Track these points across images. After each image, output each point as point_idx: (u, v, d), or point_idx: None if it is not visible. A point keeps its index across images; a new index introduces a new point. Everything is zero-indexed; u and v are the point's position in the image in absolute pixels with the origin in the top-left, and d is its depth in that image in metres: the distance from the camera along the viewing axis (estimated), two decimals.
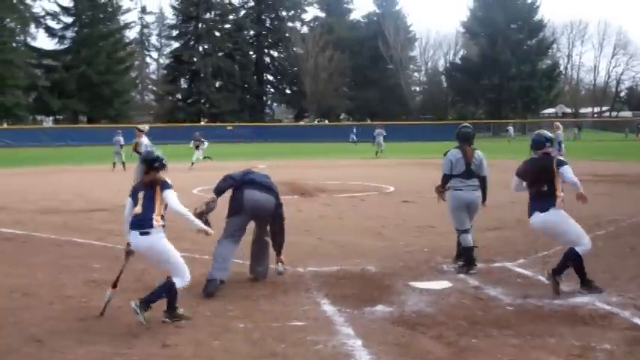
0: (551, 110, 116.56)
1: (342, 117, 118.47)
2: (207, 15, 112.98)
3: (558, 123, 28.69)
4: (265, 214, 9.89)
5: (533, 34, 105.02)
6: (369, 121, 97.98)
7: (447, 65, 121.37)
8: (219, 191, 9.87)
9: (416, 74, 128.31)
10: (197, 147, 38.26)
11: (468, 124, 11.86)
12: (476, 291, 9.31)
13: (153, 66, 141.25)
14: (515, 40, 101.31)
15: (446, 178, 10.97)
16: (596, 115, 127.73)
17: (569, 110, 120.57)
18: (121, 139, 37.62)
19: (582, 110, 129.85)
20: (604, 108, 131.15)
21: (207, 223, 9.11)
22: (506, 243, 13.09)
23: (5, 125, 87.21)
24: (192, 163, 36.00)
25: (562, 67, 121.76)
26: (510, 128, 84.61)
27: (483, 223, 15.34)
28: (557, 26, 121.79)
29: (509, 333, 7.42)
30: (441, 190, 11.07)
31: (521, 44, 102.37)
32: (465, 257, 10.77)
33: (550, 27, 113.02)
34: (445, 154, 11.19)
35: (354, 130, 62.41)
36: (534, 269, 10.64)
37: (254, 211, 9.77)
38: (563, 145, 26.60)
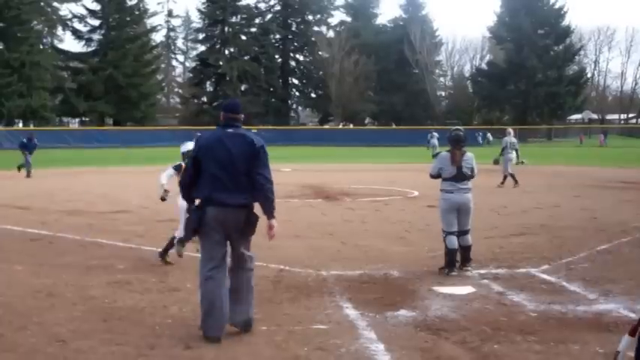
0: (577, 116, 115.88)
1: (366, 121, 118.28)
2: (234, 19, 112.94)
3: (510, 129, 29.07)
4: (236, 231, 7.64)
5: (560, 39, 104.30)
6: (393, 126, 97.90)
7: (473, 70, 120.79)
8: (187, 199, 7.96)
9: (442, 79, 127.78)
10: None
11: (459, 128, 12.02)
12: (500, 297, 9.27)
13: (179, 69, 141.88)
14: (541, 45, 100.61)
15: (434, 179, 11.39)
16: (622, 122, 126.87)
17: (595, 117, 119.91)
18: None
19: (609, 117, 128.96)
20: (631, 115, 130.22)
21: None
22: (531, 249, 13.02)
23: (31, 126, 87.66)
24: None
25: (589, 74, 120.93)
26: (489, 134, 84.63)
27: (508, 229, 15.36)
28: (584, 32, 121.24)
29: (533, 339, 7.39)
30: None
31: (547, 50, 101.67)
32: (448, 259, 10.92)
33: (577, 33, 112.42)
34: (435, 156, 11.59)
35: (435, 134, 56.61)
36: (559, 275, 10.58)
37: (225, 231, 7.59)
38: (507, 151, 26.86)
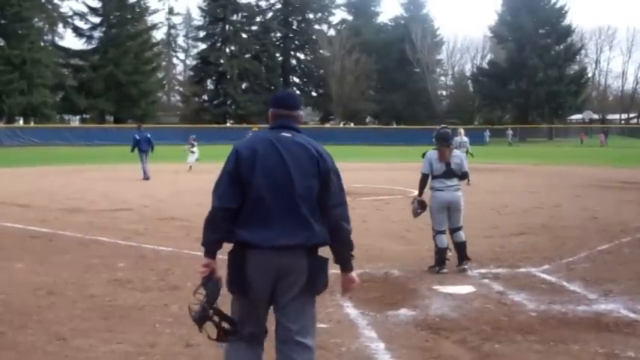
0: (578, 116, 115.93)
1: (367, 120, 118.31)
2: (234, 17, 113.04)
3: (461, 129, 29.53)
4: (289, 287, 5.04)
5: (561, 39, 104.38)
6: (394, 125, 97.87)
7: (474, 70, 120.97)
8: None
9: (442, 78, 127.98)
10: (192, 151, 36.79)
11: (446, 126, 12.31)
12: (500, 296, 9.27)
13: (179, 67, 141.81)
14: (543, 45, 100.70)
15: (424, 178, 11.23)
16: (623, 122, 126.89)
17: (596, 116, 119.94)
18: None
19: (610, 116, 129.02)
20: (632, 114, 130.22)
21: (220, 326, 5.08)
22: (531, 248, 13.02)
23: (32, 124, 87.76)
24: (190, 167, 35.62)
25: (590, 73, 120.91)
26: (487, 134, 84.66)
27: (508, 229, 15.36)
28: (585, 32, 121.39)
29: (533, 339, 7.39)
30: (418, 204, 11.39)
31: (549, 49, 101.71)
32: (438, 257, 10.99)
33: (578, 32, 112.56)
34: (423, 156, 11.43)
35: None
36: (559, 275, 10.58)
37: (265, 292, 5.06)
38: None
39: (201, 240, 5.04)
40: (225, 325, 5.06)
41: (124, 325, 7.88)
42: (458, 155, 11.25)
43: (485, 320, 8.08)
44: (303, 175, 4.93)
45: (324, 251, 5.14)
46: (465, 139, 28.48)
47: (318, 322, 7.84)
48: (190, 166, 35.45)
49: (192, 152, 36.75)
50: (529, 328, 7.75)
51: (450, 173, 11.02)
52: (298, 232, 4.88)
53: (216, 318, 5.02)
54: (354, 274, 5.27)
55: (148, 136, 31.47)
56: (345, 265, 5.22)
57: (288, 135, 5.07)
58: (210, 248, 5.00)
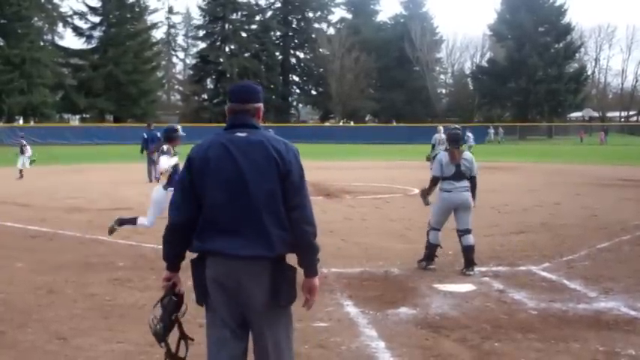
0: (578, 114, 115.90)
1: (367, 118, 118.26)
2: (234, 15, 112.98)
3: (441, 127, 29.69)
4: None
5: (560, 37, 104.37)
6: (394, 123, 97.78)
7: (474, 68, 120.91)
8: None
9: (442, 76, 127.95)
10: (22, 151, 31.47)
11: (457, 127, 12.21)
12: (500, 294, 9.27)
13: (179, 66, 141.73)
14: (542, 43, 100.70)
15: (435, 180, 11.22)
16: (623, 120, 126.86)
17: (596, 114, 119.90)
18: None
19: (609, 114, 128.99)
20: (631, 112, 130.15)
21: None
22: (531, 246, 13.01)
23: (32, 123, 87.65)
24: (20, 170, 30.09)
25: (589, 71, 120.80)
26: (491, 131, 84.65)
27: (508, 227, 15.36)
28: (584, 30, 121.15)
29: (533, 337, 7.39)
30: (427, 194, 11.60)
31: (548, 47, 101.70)
32: (428, 252, 11.06)
33: (578, 30, 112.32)
34: (434, 157, 11.47)
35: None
36: (559, 273, 10.58)
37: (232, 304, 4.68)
38: (437, 147, 27.43)
39: (162, 254, 4.81)
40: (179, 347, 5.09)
41: (124, 324, 7.88)
42: (468, 158, 11.12)
43: (486, 319, 8.08)
44: (262, 178, 4.50)
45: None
46: (444, 136, 28.55)
47: (318, 321, 7.88)
48: (21, 170, 30.29)
49: (23, 154, 31.39)
50: (529, 327, 7.75)
51: (459, 175, 10.93)
52: (259, 241, 4.47)
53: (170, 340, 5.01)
54: (316, 280, 4.76)
55: (158, 135, 27.17)
56: (307, 270, 4.72)
57: (243, 135, 4.60)
58: (171, 262, 4.78)
